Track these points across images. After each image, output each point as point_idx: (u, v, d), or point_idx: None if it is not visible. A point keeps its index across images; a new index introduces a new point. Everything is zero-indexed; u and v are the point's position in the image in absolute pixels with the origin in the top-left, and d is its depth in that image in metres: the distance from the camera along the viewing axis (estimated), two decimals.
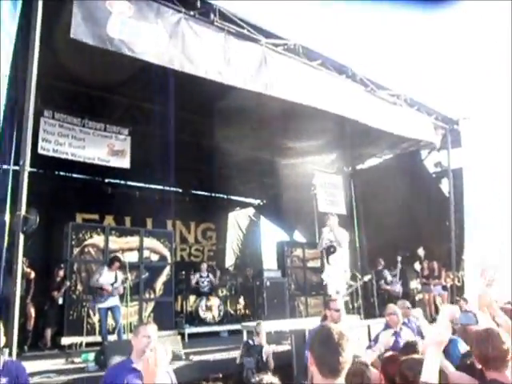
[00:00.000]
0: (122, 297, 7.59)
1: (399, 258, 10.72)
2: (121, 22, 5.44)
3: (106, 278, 7.52)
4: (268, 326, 6.81)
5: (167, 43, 5.83)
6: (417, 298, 10.93)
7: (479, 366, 2.48)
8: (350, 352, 1.82)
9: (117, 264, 7.68)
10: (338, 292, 7.14)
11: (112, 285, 7.45)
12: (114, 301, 7.47)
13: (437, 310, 9.88)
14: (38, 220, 4.77)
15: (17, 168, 5.21)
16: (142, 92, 8.47)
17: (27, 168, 4.86)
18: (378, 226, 11.89)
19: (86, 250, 8.45)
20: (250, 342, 6.13)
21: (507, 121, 9.85)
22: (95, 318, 8.03)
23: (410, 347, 3.06)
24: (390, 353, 3.25)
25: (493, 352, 2.36)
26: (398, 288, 10.56)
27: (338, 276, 7.51)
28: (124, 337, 7.27)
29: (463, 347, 3.32)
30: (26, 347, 7.56)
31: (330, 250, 7.57)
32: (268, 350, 5.88)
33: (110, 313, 7.51)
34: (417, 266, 10.64)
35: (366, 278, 10.72)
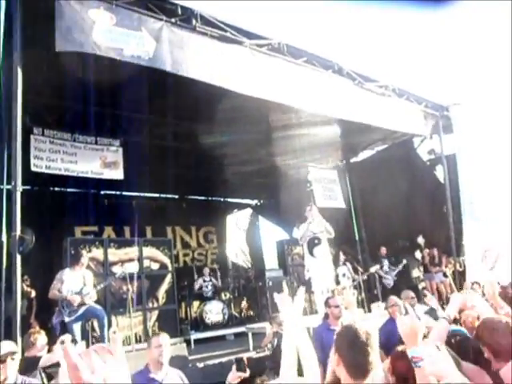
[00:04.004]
0: (124, 307, 7.52)
1: (404, 261, 10.77)
2: (106, 29, 5.47)
3: (71, 284, 6.22)
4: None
5: (155, 47, 5.84)
6: (420, 287, 10.94)
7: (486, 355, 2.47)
8: (377, 351, 1.84)
9: (82, 261, 6.50)
10: (323, 292, 7.03)
11: (81, 291, 6.19)
12: (89, 307, 6.30)
13: (440, 297, 9.90)
14: (34, 239, 4.79)
15: (10, 187, 5.21)
16: (131, 102, 8.46)
17: (19, 188, 4.89)
18: (377, 217, 11.92)
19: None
20: (280, 332, 5.88)
21: (498, 104, 9.89)
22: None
23: None
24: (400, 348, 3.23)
25: (507, 343, 2.35)
26: (389, 280, 10.63)
27: (323, 271, 7.34)
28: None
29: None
30: None
31: (313, 242, 7.41)
32: None
33: (85, 324, 6.49)
34: (417, 254, 10.66)
35: (373, 268, 10.68)
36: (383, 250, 11.10)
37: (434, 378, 1.88)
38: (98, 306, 6.54)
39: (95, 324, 7.09)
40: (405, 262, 10.77)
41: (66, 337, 2.86)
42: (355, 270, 10.64)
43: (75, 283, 6.31)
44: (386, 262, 10.82)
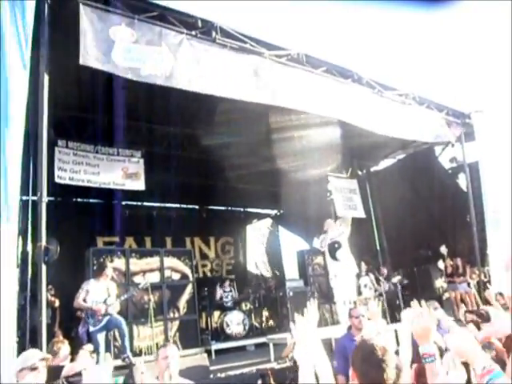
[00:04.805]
0: (146, 317, 7.55)
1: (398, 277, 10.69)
2: (125, 49, 5.58)
3: (96, 294, 6.31)
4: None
5: (172, 65, 5.92)
6: (444, 297, 10.74)
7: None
8: (393, 367, 1.82)
9: (106, 272, 6.59)
10: (345, 303, 6.99)
11: (105, 302, 6.27)
12: (111, 317, 6.32)
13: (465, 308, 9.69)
14: (58, 250, 4.85)
15: (35, 198, 5.32)
16: (151, 114, 8.60)
17: (45, 199, 4.96)
18: (398, 227, 11.77)
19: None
20: None
21: None
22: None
23: None
24: None
25: None
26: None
27: (347, 276, 7.31)
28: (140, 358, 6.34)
29: None
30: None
31: (334, 246, 7.44)
32: None
33: (108, 334, 6.54)
34: (440, 264, 10.48)
35: (395, 279, 10.57)
36: (383, 270, 10.99)
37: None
38: (119, 316, 6.56)
39: (117, 333, 7.15)
40: (398, 277, 10.64)
41: (88, 347, 2.87)
42: (377, 281, 10.53)
43: (100, 294, 6.38)
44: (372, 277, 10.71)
